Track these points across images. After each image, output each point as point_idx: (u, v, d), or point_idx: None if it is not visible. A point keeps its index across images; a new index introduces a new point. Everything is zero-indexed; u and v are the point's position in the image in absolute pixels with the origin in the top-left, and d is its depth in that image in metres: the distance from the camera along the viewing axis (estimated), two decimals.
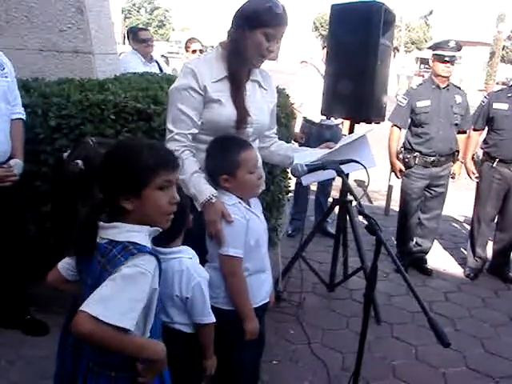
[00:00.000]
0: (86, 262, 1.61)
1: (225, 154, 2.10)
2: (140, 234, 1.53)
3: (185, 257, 1.95)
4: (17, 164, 2.86)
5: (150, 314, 1.54)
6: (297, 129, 5.05)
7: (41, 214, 3.01)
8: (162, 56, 8.29)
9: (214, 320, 1.95)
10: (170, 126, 2.22)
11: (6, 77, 2.90)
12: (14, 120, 2.93)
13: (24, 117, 2.99)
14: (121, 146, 1.69)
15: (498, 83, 31.53)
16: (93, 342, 1.45)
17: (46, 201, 2.99)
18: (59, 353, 1.97)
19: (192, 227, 2.02)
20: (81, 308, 1.40)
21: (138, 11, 68.78)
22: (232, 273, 2.08)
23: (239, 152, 2.07)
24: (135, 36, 5.55)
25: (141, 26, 29.41)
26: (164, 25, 68.60)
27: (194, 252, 1.99)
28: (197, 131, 2.23)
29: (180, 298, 1.92)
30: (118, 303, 1.40)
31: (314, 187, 5.46)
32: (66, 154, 1.96)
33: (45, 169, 3.00)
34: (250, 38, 2.17)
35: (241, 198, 2.12)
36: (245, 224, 2.08)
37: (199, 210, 2.09)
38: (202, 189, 2.10)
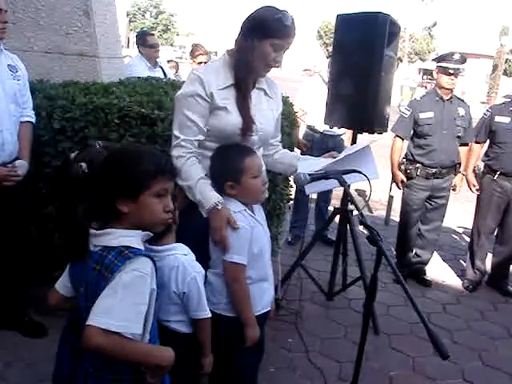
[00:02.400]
0: (80, 270, 1.62)
1: (228, 161, 2.12)
2: (133, 238, 1.55)
3: (179, 253, 1.96)
4: (21, 165, 2.89)
5: (149, 314, 1.56)
6: (300, 137, 5.07)
7: (42, 215, 3.02)
8: (171, 61, 8.31)
9: (210, 315, 1.97)
10: (176, 132, 2.23)
11: (19, 80, 2.96)
12: (23, 122, 2.98)
13: (33, 120, 3.03)
14: (123, 150, 1.73)
15: (503, 97, 31.58)
16: (104, 354, 1.47)
17: (48, 202, 3.00)
18: (58, 354, 1.97)
19: (196, 233, 2.03)
20: (87, 322, 1.41)
21: (143, 15, 68.91)
22: (235, 279, 2.08)
23: (242, 158, 2.09)
24: (144, 40, 5.57)
25: (144, 30, 29.49)
26: (169, 29, 68.73)
27: (188, 249, 2.00)
28: (203, 138, 2.23)
29: (177, 294, 1.93)
30: (123, 311, 1.42)
31: (314, 195, 5.46)
32: (73, 155, 1.97)
33: (48, 170, 3.02)
34: (258, 47, 2.18)
35: (246, 206, 2.13)
36: (250, 231, 2.09)
37: (205, 216, 2.10)
38: (207, 195, 2.11)
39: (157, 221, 1.61)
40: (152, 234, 1.64)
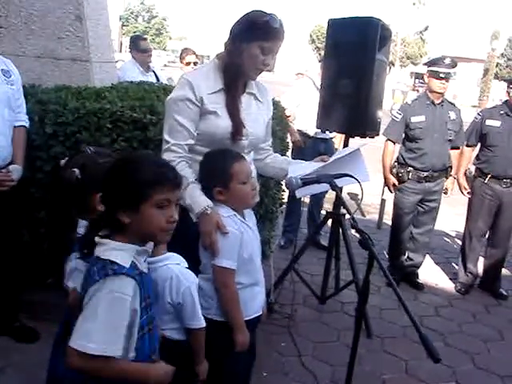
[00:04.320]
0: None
1: (216, 167, 2.12)
2: (123, 253, 1.51)
3: (172, 263, 1.95)
4: (15, 169, 2.88)
5: (132, 334, 1.52)
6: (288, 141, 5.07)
7: (35, 220, 3.01)
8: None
9: (204, 324, 1.96)
10: (166, 136, 2.23)
11: (12, 84, 2.94)
12: (16, 127, 2.96)
13: (27, 124, 3.02)
14: (125, 159, 1.68)
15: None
16: (89, 374, 1.47)
17: (40, 207, 2.99)
18: (51, 360, 1.97)
19: (186, 237, 2.02)
20: (69, 344, 1.42)
21: (135, 19, 68.96)
22: (224, 284, 2.09)
23: (231, 164, 2.09)
24: (136, 45, 5.58)
25: (138, 34, 29.51)
26: (161, 33, 68.77)
27: (181, 258, 1.99)
28: (193, 142, 2.24)
29: (172, 304, 1.92)
30: (101, 333, 1.42)
31: (306, 199, 5.47)
32: (63, 161, 1.97)
33: (40, 175, 3.01)
34: (246, 50, 2.19)
35: (236, 211, 2.13)
36: (239, 236, 2.09)
37: (194, 220, 2.10)
38: (197, 200, 2.11)
39: (157, 232, 1.55)
40: (150, 250, 1.63)
